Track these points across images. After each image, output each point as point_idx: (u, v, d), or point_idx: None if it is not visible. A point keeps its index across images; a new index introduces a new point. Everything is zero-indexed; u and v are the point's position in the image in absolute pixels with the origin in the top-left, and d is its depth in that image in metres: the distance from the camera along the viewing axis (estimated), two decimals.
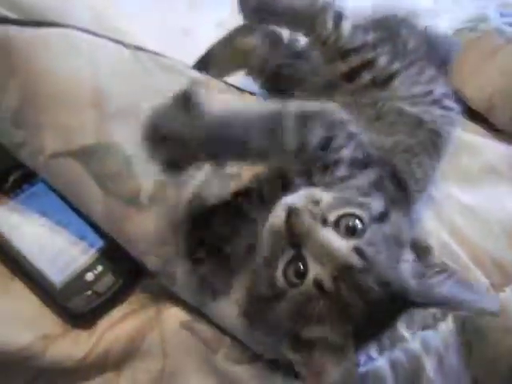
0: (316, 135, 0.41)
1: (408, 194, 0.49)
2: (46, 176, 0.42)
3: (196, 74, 0.56)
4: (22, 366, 0.40)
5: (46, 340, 0.40)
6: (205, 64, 0.70)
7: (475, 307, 0.38)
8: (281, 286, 0.36)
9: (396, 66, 0.58)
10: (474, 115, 0.80)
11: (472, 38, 0.84)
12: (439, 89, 0.60)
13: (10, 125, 0.39)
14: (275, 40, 0.68)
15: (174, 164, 0.38)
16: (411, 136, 0.53)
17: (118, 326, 0.44)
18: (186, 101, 0.39)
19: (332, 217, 0.37)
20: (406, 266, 0.37)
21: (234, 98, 0.60)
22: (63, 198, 0.46)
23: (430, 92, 0.58)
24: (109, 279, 0.45)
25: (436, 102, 0.58)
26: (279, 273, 0.36)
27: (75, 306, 0.43)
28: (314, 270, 0.35)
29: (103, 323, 0.44)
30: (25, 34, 0.39)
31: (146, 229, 0.42)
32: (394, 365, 0.47)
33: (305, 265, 0.35)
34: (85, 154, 0.40)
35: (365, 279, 0.34)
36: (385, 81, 0.57)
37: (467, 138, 0.74)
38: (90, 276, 0.45)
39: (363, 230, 0.36)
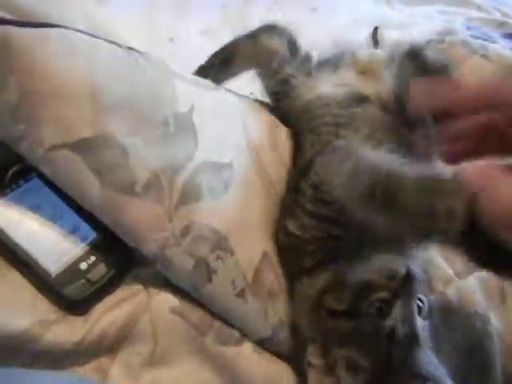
0: None
1: None
2: (45, 168, 0.44)
3: (182, 72, 0.59)
4: (20, 349, 0.41)
5: (42, 325, 0.42)
6: (225, 58, 0.74)
7: None
8: (360, 311, 0.44)
9: None
10: None
11: (441, 50, 0.90)
12: None
13: (10, 120, 0.41)
14: (293, 49, 0.74)
15: None
16: None
17: (111, 313, 0.46)
18: None
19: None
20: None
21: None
22: (57, 193, 0.48)
23: None
24: (101, 268, 0.47)
25: None
26: (369, 302, 0.44)
27: (70, 293, 0.45)
28: (394, 322, 0.43)
29: (97, 310, 0.46)
30: (25, 33, 0.41)
31: (143, 216, 0.45)
32: None
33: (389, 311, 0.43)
34: (82, 146, 0.42)
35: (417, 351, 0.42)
36: None
37: None
38: (83, 265, 0.47)
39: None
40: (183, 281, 0.47)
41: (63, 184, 0.45)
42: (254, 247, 0.53)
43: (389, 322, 0.43)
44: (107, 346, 0.45)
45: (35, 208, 0.48)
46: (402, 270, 0.45)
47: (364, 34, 1.01)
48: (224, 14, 0.77)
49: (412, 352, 0.42)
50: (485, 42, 0.91)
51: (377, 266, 0.47)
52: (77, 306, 0.45)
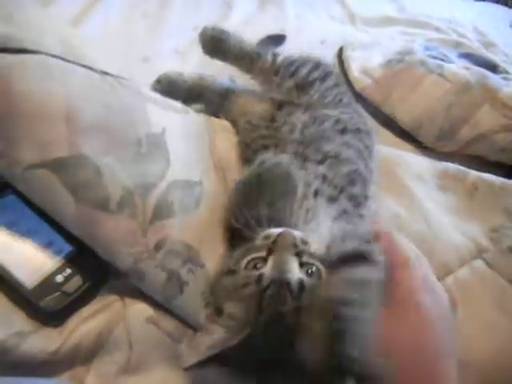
0: None
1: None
2: (22, 186, 0.45)
3: (154, 95, 0.63)
4: None
5: (19, 336, 0.44)
6: None
7: None
8: (235, 267, 0.47)
9: (315, 75, 0.72)
10: (405, 135, 0.92)
11: (400, 69, 0.96)
12: (346, 98, 0.74)
13: None
14: None
15: None
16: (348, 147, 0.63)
17: (86, 323, 0.48)
18: None
19: (305, 259, 0.46)
20: None
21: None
22: (33, 209, 0.49)
23: (341, 100, 0.72)
24: (77, 281, 0.49)
25: (347, 105, 0.72)
26: (245, 260, 0.47)
27: (46, 305, 0.46)
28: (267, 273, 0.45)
29: (73, 321, 0.48)
30: (2, 59, 0.43)
31: (117, 231, 0.47)
32: None
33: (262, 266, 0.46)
34: (58, 166, 0.44)
35: (288, 300, 0.43)
36: (304, 86, 0.70)
37: (400, 153, 0.84)
38: (59, 278, 0.48)
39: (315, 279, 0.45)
40: (156, 293, 0.50)
41: (39, 201, 0.47)
42: None
43: (257, 273, 0.45)
44: (83, 356, 0.47)
45: (11, 223, 0.49)
46: (277, 231, 0.48)
47: (330, 53, 1.06)
48: (195, 36, 0.80)
49: (281, 295, 0.43)
50: (441, 62, 0.97)
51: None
52: (53, 318, 0.47)
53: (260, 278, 0.44)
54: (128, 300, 0.51)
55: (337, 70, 0.88)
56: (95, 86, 0.50)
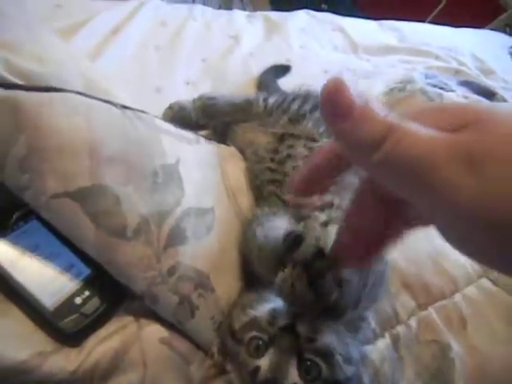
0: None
1: None
2: (46, 214, 0.49)
3: (168, 127, 0.66)
4: (19, 379, 0.45)
5: (40, 356, 0.46)
6: None
7: None
8: (243, 341, 0.49)
9: (305, 108, 0.76)
10: None
11: (401, 97, 1.00)
12: None
13: (17, 170, 0.46)
14: None
15: None
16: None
17: (104, 343, 0.50)
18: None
19: (306, 356, 0.46)
20: None
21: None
22: (54, 233, 0.52)
23: None
24: (95, 302, 0.52)
25: None
26: (249, 335, 0.49)
27: (66, 326, 0.49)
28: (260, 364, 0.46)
29: (91, 341, 0.50)
30: (32, 97, 0.46)
31: (133, 257, 0.50)
32: None
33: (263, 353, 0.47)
34: (81, 195, 0.47)
35: None
36: (297, 119, 0.75)
37: None
38: (78, 300, 0.51)
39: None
40: (168, 315, 0.52)
41: (62, 227, 0.50)
42: (232, 284, 0.59)
43: (255, 363, 0.46)
44: (100, 375, 0.49)
45: (34, 247, 0.52)
46: (282, 321, 0.47)
47: None
48: (204, 67, 0.84)
49: None
50: (441, 91, 1.01)
51: (267, 307, 0.49)
52: (72, 338, 0.49)
53: (256, 371, 0.46)
54: (143, 321, 0.53)
55: None
56: (116, 120, 0.53)
